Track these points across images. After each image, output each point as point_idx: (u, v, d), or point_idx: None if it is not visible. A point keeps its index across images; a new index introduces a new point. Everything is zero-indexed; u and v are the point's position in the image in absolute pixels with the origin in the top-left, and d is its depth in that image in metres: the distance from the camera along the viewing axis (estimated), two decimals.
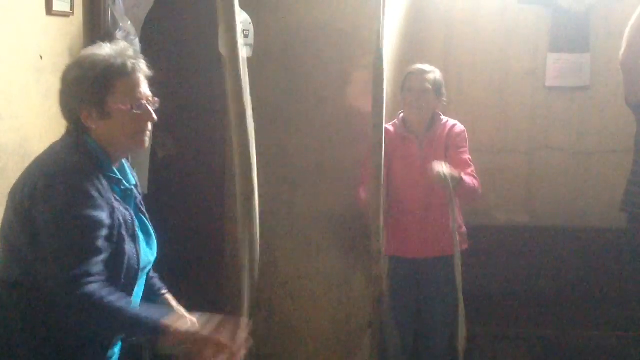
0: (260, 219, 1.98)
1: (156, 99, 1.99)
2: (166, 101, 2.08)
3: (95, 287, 1.79)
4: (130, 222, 1.94)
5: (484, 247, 4.23)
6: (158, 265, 2.15)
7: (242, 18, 3.22)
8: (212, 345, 1.86)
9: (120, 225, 1.89)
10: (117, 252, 1.89)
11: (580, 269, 4.28)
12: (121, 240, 1.89)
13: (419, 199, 3.41)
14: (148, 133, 2.00)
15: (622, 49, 3.53)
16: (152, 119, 1.98)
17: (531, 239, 4.37)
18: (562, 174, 4.40)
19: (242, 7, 3.20)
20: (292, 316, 3.71)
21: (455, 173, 3.24)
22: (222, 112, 3.84)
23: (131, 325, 1.86)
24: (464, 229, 3.52)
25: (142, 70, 1.97)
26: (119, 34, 2.92)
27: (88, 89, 1.90)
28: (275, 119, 3.58)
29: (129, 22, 3.05)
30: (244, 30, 3.22)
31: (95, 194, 1.83)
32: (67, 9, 2.76)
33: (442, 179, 3.18)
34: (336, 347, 3.81)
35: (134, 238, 1.94)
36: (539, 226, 4.40)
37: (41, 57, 2.60)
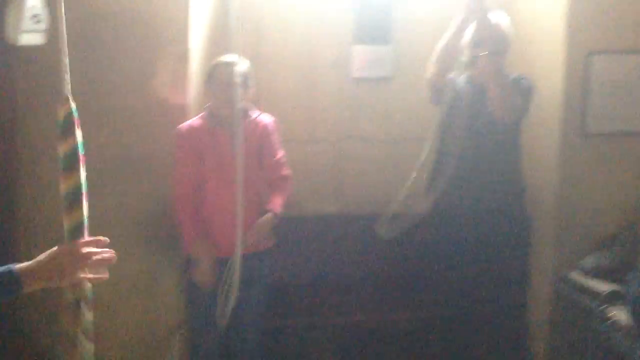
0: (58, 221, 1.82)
1: None
2: None
3: None
4: None
5: (293, 239, 4.22)
6: None
7: (32, 2, 2.95)
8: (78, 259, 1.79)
9: None
10: None
11: (387, 254, 4.40)
12: None
13: (232, 195, 3.32)
14: None
15: (432, 70, 3.64)
16: None
17: (340, 228, 4.43)
18: (370, 162, 4.51)
19: None
20: (95, 324, 3.47)
21: (268, 223, 3.44)
22: (10, 108, 3.52)
23: None
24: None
25: None
26: None
27: None
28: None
29: None
30: (35, 15, 2.95)
31: None
32: None
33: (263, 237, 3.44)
34: (143, 353, 3.67)
35: None
36: (347, 215, 4.48)
37: None
